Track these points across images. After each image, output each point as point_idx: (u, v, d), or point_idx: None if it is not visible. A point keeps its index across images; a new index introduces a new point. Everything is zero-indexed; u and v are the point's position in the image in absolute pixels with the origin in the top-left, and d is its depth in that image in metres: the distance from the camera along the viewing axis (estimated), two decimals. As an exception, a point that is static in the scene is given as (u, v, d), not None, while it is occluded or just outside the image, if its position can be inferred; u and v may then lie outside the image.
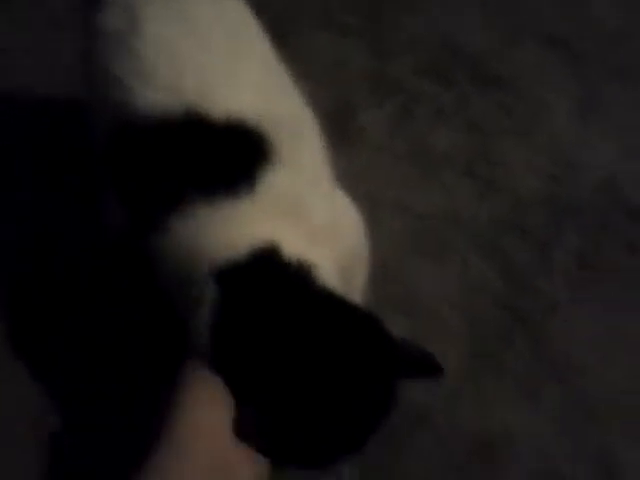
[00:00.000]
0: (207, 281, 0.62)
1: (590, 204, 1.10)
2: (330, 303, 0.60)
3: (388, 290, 0.96)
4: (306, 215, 0.67)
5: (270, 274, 0.61)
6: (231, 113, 0.66)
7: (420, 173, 1.11)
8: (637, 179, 1.13)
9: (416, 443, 0.88)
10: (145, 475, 0.52)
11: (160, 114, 0.66)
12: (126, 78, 0.68)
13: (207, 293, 0.61)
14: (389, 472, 0.85)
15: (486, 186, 1.11)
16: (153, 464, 0.53)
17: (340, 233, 0.72)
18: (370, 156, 1.11)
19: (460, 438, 0.88)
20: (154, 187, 0.68)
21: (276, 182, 0.66)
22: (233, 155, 0.66)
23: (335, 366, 0.56)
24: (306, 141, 0.73)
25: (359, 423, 0.57)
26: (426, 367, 0.64)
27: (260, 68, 0.73)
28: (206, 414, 0.55)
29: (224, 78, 0.68)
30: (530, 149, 1.17)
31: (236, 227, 0.64)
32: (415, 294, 0.99)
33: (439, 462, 0.87)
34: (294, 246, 0.63)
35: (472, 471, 0.87)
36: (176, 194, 0.66)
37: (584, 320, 0.99)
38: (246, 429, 0.54)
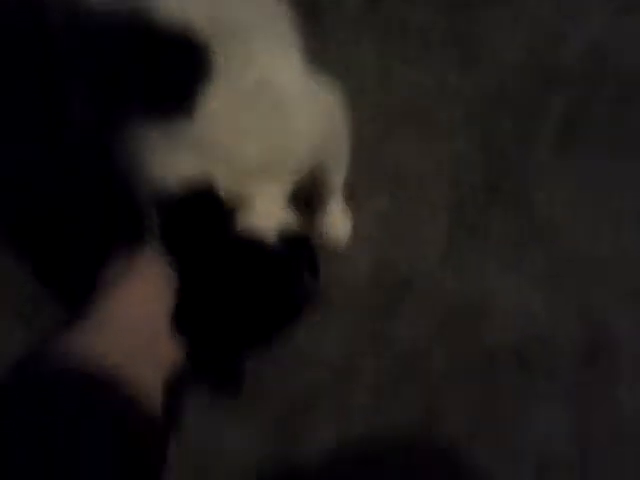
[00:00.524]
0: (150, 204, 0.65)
1: (575, 72, 1.07)
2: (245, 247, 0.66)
3: (371, 165, 0.95)
4: (242, 150, 0.64)
5: (198, 210, 0.64)
6: (175, 18, 0.60)
7: (399, 47, 1.07)
8: (622, 45, 1.09)
9: (401, 309, 0.89)
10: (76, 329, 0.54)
11: (108, 11, 0.61)
12: None
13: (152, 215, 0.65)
14: (376, 336, 0.87)
15: (471, 58, 1.07)
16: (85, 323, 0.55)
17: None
18: (346, 32, 1.06)
19: (445, 303, 0.89)
20: (108, 91, 0.65)
21: (214, 107, 0.61)
22: (172, 68, 0.61)
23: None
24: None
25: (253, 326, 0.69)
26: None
27: None
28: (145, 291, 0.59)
29: None
30: (511, 19, 1.12)
31: (172, 154, 0.61)
32: (398, 167, 0.98)
33: (425, 327, 0.88)
34: (226, 183, 0.64)
35: (458, 336, 0.88)
36: (122, 102, 0.63)
37: (569, 189, 0.99)
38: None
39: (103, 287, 0.60)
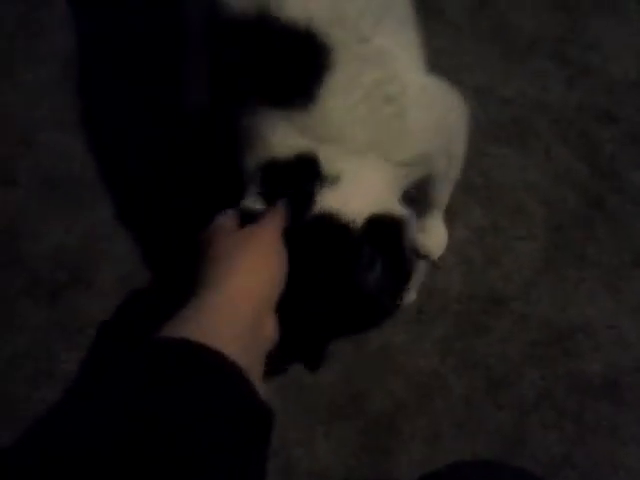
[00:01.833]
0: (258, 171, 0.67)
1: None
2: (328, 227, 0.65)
3: (468, 178, 0.93)
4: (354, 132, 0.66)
5: (300, 183, 0.65)
6: (299, 18, 0.64)
7: (504, 56, 1.04)
8: None
9: (492, 328, 0.87)
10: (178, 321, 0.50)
11: (238, 11, 0.66)
12: None
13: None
14: (466, 353, 0.86)
15: (575, 70, 1.04)
16: (189, 311, 0.51)
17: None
18: (450, 37, 1.04)
19: (537, 326, 0.87)
20: (233, 76, 0.70)
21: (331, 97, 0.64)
22: (296, 62, 0.65)
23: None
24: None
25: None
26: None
27: None
28: (240, 277, 0.55)
29: None
30: (624, 28, 1.08)
31: (287, 133, 0.65)
32: (496, 183, 0.95)
33: (516, 348, 0.86)
34: (331, 162, 0.65)
35: (549, 360, 0.86)
36: (246, 89, 0.67)
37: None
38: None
39: (215, 258, 0.57)
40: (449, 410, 0.83)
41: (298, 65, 0.64)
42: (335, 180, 0.64)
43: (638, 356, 0.87)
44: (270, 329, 0.56)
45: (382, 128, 0.66)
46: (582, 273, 0.91)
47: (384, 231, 0.66)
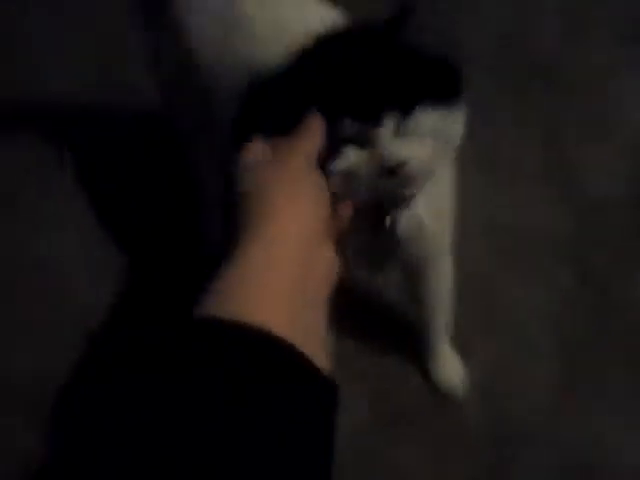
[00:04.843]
0: None
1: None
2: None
3: (475, 307, 0.93)
4: None
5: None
6: None
7: (496, 183, 1.07)
8: None
9: (515, 466, 0.85)
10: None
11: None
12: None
13: None
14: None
15: (565, 193, 1.07)
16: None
17: None
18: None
19: (561, 461, 0.85)
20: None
21: None
22: None
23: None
24: None
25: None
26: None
27: None
28: (286, 213, 0.47)
29: None
30: (608, 151, 1.13)
31: None
32: (504, 313, 0.96)
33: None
34: None
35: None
36: None
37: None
38: None
39: (250, 195, 0.48)
40: None
41: None
42: None
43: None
44: (325, 265, 0.48)
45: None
46: (599, 396, 0.89)
47: None
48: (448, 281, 0.81)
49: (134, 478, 0.34)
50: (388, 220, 0.63)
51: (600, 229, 1.04)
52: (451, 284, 0.82)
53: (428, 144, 0.54)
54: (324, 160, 0.52)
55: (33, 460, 0.83)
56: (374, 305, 0.98)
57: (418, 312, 0.85)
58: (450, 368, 0.89)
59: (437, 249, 0.73)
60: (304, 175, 0.50)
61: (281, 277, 0.43)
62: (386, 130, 0.52)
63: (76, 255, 1.04)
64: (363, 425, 0.87)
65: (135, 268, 1.04)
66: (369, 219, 0.61)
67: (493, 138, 1.11)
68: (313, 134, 0.51)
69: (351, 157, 0.53)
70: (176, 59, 0.77)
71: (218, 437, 0.36)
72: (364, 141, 0.53)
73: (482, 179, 1.06)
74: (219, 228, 0.96)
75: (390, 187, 0.56)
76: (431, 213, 0.65)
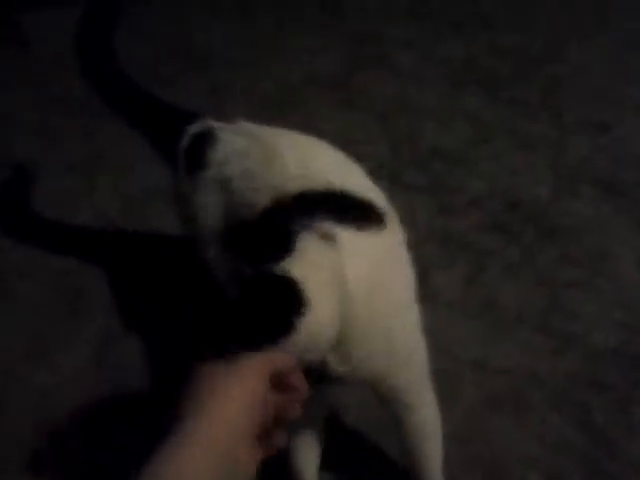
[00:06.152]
0: None
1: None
2: None
3: (469, 450, 0.98)
4: None
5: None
6: None
7: (494, 329, 1.15)
8: None
9: None
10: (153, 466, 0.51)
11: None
12: None
13: None
14: None
15: (560, 340, 1.13)
16: (163, 454, 0.52)
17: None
18: (445, 316, 1.16)
19: None
20: None
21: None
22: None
23: None
24: None
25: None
26: None
27: None
28: (220, 405, 0.56)
29: None
30: (600, 299, 1.20)
31: None
32: (496, 454, 1.00)
33: None
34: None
35: None
36: None
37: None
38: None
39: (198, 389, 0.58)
40: None
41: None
42: None
43: None
44: (246, 463, 0.57)
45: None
46: None
47: None
48: (431, 425, 0.85)
49: None
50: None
51: (594, 375, 1.08)
52: (437, 430, 0.85)
53: None
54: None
55: None
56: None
57: (409, 460, 0.88)
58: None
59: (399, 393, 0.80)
60: (249, 388, 0.58)
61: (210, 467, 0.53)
62: None
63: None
64: None
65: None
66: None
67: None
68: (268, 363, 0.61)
69: None
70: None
71: None
72: None
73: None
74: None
75: None
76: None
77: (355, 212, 0.76)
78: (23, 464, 1.02)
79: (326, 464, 0.93)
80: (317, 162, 0.84)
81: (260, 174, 0.84)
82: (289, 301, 0.65)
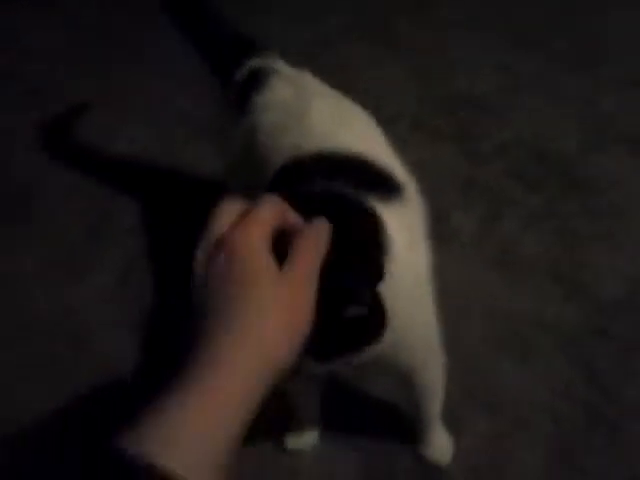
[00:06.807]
0: None
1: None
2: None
3: (472, 387, 1.01)
4: None
5: None
6: None
7: (508, 275, 1.17)
8: None
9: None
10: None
11: None
12: None
13: None
14: None
15: (572, 289, 1.16)
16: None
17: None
18: (460, 257, 1.18)
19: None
20: None
21: None
22: None
23: None
24: None
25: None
26: None
27: None
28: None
29: None
30: (614, 254, 1.22)
31: None
32: (499, 393, 1.03)
33: None
34: None
35: None
36: None
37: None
38: None
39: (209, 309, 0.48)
40: None
41: None
42: None
43: None
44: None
45: None
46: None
47: None
48: (438, 383, 0.87)
49: None
50: None
51: (601, 325, 1.11)
52: (442, 382, 0.87)
53: None
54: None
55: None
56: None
57: (410, 399, 0.90)
58: (440, 445, 0.95)
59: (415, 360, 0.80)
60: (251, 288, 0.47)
61: (204, 439, 0.43)
62: None
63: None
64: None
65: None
66: None
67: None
68: (271, 207, 0.50)
69: None
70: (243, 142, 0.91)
71: None
72: None
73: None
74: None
75: None
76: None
77: (373, 181, 0.73)
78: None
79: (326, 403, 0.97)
80: (345, 128, 0.82)
81: (287, 130, 0.82)
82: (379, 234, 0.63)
